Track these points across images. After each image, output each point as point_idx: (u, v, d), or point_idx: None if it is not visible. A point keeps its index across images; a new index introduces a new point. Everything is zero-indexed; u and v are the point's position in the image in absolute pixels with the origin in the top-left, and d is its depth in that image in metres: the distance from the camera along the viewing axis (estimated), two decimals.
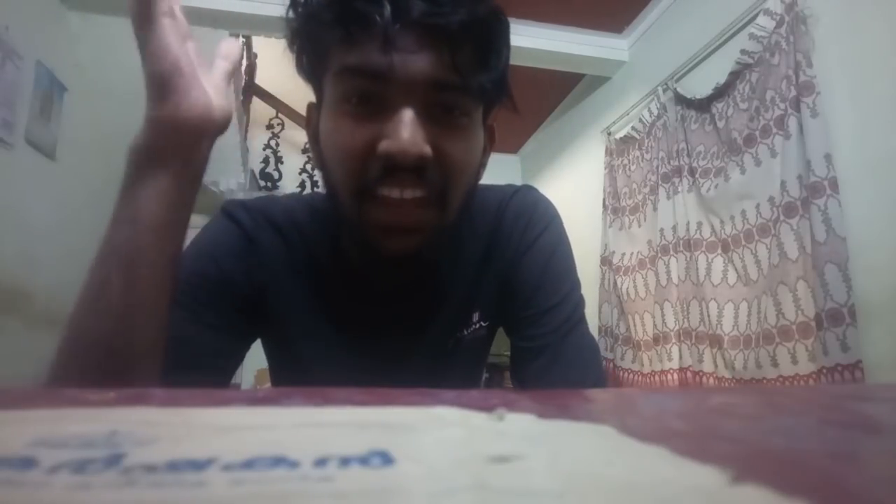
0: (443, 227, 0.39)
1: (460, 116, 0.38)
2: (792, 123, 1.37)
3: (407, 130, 0.34)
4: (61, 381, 0.31)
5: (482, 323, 0.49)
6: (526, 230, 0.48)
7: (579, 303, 0.48)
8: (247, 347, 0.46)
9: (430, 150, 0.35)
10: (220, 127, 0.36)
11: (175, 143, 0.34)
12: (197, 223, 0.47)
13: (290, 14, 0.38)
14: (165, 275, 0.34)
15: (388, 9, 0.33)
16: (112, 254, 0.32)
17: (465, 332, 0.49)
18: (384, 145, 0.35)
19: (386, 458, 0.11)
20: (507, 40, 0.39)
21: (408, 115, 0.35)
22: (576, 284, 0.48)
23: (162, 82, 0.33)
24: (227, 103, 0.37)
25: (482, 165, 0.44)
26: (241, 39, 2.56)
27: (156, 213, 0.33)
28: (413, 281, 0.46)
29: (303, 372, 0.47)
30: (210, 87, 0.36)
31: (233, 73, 0.40)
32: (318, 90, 0.41)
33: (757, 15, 1.54)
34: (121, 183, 0.34)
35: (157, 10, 0.33)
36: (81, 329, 0.32)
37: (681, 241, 1.77)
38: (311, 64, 0.40)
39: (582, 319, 0.47)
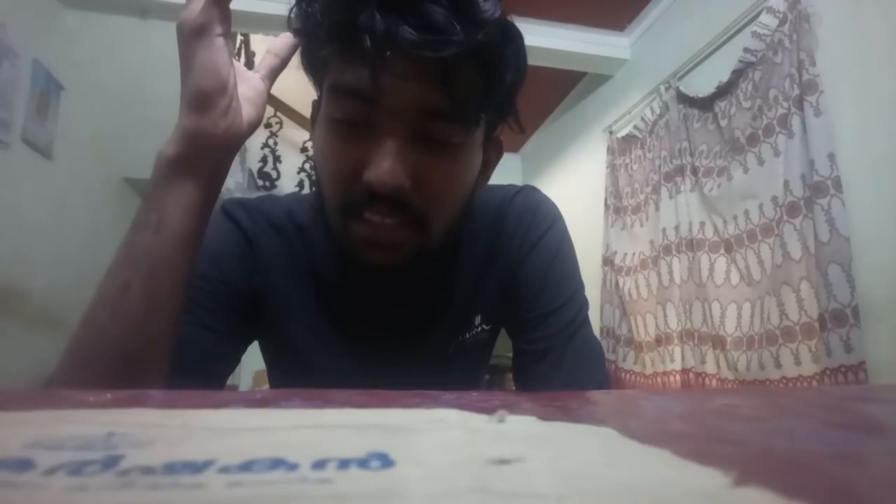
0: (424, 246, 0.39)
1: (451, 144, 0.37)
2: (795, 122, 1.36)
3: (387, 162, 0.34)
4: (67, 382, 0.31)
5: (484, 326, 0.49)
6: (528, 232, 0.48)
7: (583, 305, 0.48)
8: (243, 350, 0.46)
9: (410, 180, 0.35)
10: (247, 137, 0.36)
11: (206, 157, 0.34)
12: None
13: (293, 14, 0.38)
14: (184, 283, 0.35)
15: (379, 33, 0.32)
16: (134, 259, 0.32)
17: (468, 336, 0.49)
18: (366, 175, 0.35)
19: (385, 461, 0.11)
20: (513, 64, 0.38)
21: (390, 146, 0.35)
22: (580, 286, 0.48)
23: (204, 97, 0.33)
24: (256, 112, 0.37)
25: (482, 182, 0.44)
26: (240, 46, 2.56)
27: (181, 222, 0.33)
28: (414, 284, 0.46)
29: (302, 374, 0.47)
30: (247, 94, 0.36)
31: (279, 71, 0.40)
32: (319, 90, 0.41)
33: (760, 13, 1.54)
34: (147, 189, 0.34)
35: (215, 28, 0.33)
36: (96, 331, 0.32)
37: (683, 241, 1.76)
38: (312, 66, 0.40)
39: (586, 321, 0.47)
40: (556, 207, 0.51)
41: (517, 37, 0.38)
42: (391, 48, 0.32)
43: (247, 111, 0.36)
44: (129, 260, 0.32)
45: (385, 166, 0.34)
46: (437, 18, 0.32)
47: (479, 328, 0.49)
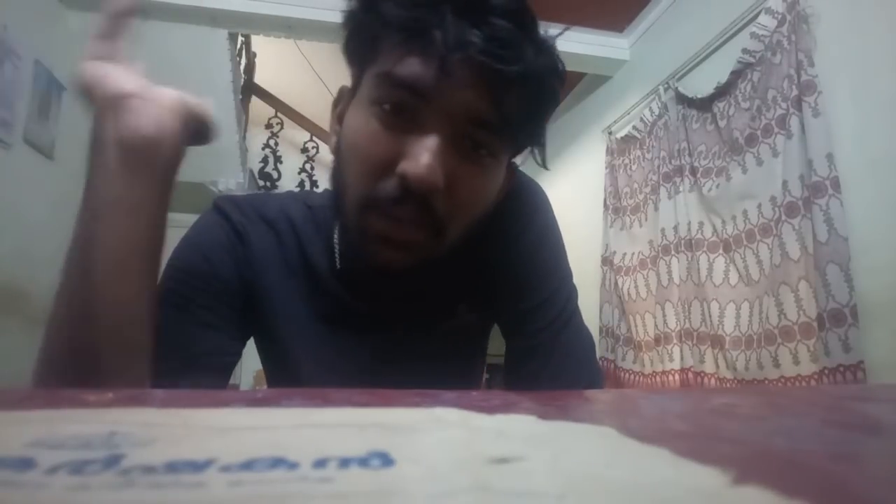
0: (434, 249, 0.38)
1: (486, 156, 0.37)
2: (794, 123, 1.36)
3: (427, 157, 0.34)
4: (46, 375, 0.31)
5: (471, 314, 0.48)
6: (511, 219, 0.46)
7: (571, 295, 0.46)
8: (242, 344, 0.46)
9: (444, 180, 0.35)
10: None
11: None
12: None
13: None
14: (149, 262, 0.34)
15: (452, 35, 0.33)
16: (85, 248, 0.32)
17: (454, 324, 0.48)
18: (402, 166, 0.34)
19: (386, 460, 0.11)
20: (556, 97, 0.39)
21: (433, 141, 0.35)
22: (566, 276, 0.47)
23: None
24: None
25: (493, 202, 0.43)
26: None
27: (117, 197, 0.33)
28: (404, 279, 0.45)
29: (294, 370, 0.47)
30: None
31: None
32: (357, 77, 0.40)
33: (758, 14, 1.54)
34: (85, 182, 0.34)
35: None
36: (60, 336, 0.31)
37: (682, 241, 1.76)
38: (358, 50, 0.39)
39: (575, 312, 0.46)
40: (542, 192, 0.49)
41: (563, 74, 0.39)
42: (462, 51, 0.33)
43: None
44: (80, 251, 0.33)
45: (425, 161, 0.34)
46: (504, 34, 0.33)
47: (466, 315, 0.48)
